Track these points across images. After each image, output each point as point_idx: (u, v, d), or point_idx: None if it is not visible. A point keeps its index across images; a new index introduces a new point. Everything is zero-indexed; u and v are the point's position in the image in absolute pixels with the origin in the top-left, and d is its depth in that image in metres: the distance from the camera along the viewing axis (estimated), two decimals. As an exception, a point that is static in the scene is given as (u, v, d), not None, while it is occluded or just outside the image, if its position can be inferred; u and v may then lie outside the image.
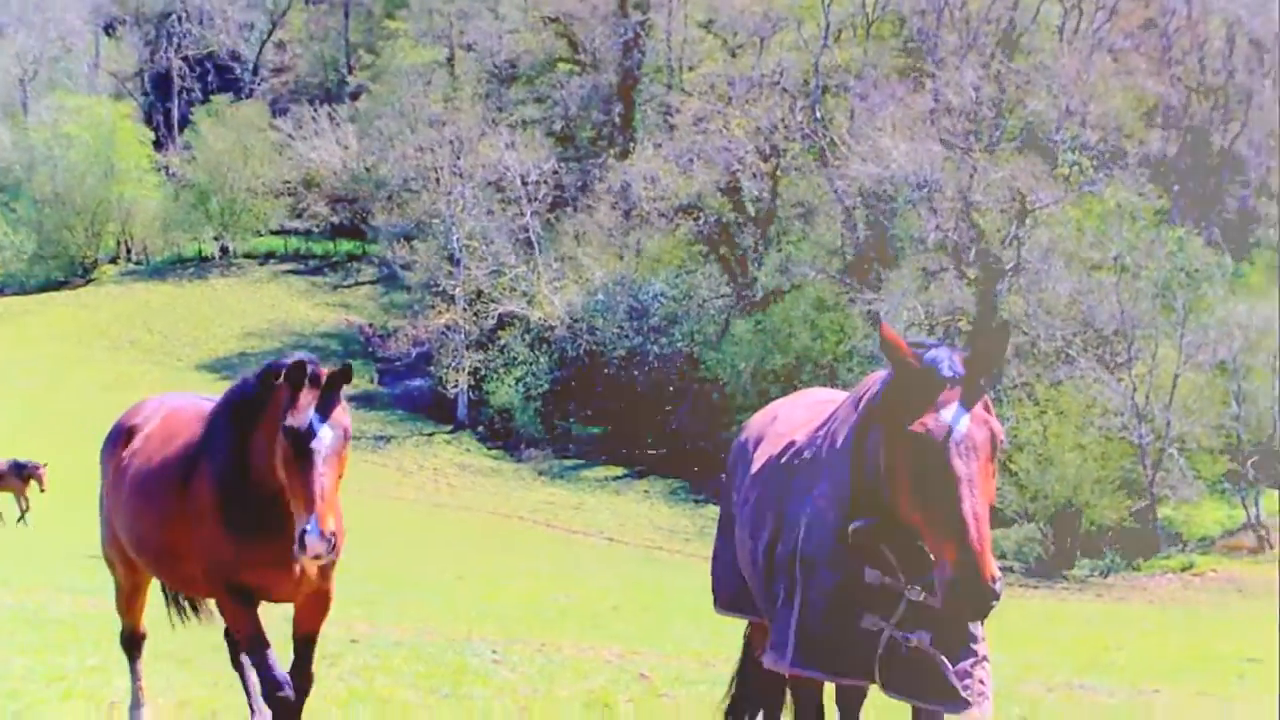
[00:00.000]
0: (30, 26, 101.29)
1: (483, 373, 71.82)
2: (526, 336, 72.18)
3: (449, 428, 72.67)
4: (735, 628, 9.14)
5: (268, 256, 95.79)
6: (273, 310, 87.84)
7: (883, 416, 6.15)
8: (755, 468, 7.57)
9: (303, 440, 7.40)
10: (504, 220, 74.18)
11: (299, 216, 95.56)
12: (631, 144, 79.02)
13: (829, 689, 7.16)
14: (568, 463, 68.21)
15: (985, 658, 6.50)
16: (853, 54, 74.81)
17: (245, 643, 8.26)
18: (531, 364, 71.22)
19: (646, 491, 63.84)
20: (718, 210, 71.62)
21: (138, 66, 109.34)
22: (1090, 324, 58.28)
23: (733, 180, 70.98)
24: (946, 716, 6.55)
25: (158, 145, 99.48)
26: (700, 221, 71.47)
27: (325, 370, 7.60)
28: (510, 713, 11.28)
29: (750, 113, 71.30)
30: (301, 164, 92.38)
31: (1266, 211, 73.09)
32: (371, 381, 76.26)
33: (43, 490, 38.19)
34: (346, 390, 7.69)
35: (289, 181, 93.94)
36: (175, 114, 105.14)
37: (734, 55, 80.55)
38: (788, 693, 7.66)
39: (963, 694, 6.35)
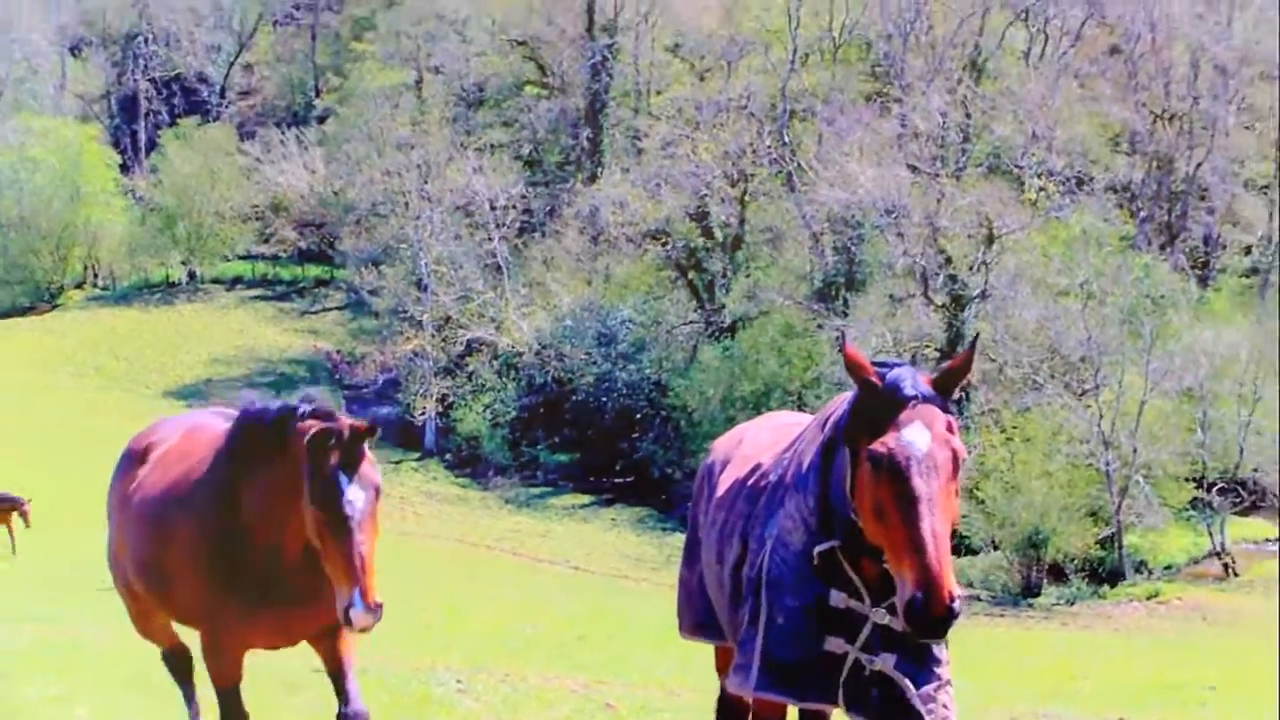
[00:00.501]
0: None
1: (450, 399, 71.49)
2: (494, 363, 71.92)
3: (417, 455, 72.11)
4: (702, 657, 9.08)
5: (235, 282, 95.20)
6: (240, 336, 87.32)
7: (847, 437, 6.14)
8: (721, 491, 7.55)
9: (334, 504, 7.10)
10: (472, 245, 73.97)
11: (266, 241, 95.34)
12: (599, 169, 79.10)
13: (792, 712, 7.11)
14: (535, 490, 67.85)
15: (949, 682, 6.48)
16: (820, 78, 74.99)
17: (221, 689, 7.89)
18: (499, 391, 70.91)
19: (614, 519, 63.53)
20: (686, 235, 71.60)
21: (104, 88, 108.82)
22: (1057, 350, 58.32)
23: (701, 205, 71.04)
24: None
25: (124, 168, 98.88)
26: (668, 247, 71.39)
27: (349, 422, 7.31)
28: (474, 742, 11.20)
29: (718, 137, 71.47)
30: (269, 188, 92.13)
31: (1231, 238, 73.59)
32: (339, 408, 75.68)
33: (27, 526, 36.81)
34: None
35: (257, 206, 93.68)
36: (142, 137, 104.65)
37: (701, 79, 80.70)
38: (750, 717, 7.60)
39: (926, 718, 6.32)
